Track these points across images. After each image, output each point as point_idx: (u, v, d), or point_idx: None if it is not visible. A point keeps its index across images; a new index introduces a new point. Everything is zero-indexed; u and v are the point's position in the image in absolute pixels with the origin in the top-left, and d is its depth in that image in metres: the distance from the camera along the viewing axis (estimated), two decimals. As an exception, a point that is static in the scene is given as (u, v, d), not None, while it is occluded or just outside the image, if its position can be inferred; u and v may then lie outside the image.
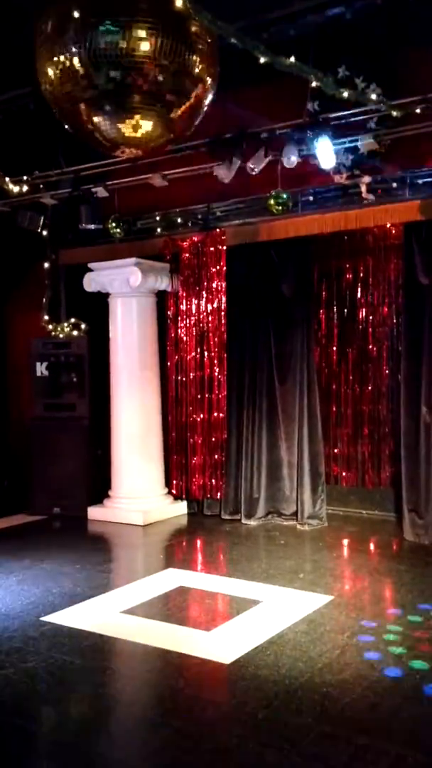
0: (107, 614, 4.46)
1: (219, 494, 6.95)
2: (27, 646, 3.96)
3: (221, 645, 3.93)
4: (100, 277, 7.03)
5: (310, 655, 3.75)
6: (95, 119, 4.08)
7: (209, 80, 4.08)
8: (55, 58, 3.82)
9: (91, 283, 7.08)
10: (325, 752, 2.88)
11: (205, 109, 4.23)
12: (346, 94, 4.58)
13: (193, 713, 3.23)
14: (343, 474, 6.99)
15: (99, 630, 4.16)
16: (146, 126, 4.06)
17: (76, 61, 3.74)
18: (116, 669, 3.82)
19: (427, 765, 2.80)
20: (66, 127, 4.32)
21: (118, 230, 6.55)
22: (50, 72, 3.90)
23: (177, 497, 7.18)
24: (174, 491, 7.16)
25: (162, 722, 3.17)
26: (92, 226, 6.39)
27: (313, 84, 4.61)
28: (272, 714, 3.17)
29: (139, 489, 6.98)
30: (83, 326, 7.34)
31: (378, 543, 5.97)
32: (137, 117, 4.04)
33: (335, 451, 7.00)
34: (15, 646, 3.94)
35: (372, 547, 5.86)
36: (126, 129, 4.04)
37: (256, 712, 3.19)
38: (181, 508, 7.18)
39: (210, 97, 4.19)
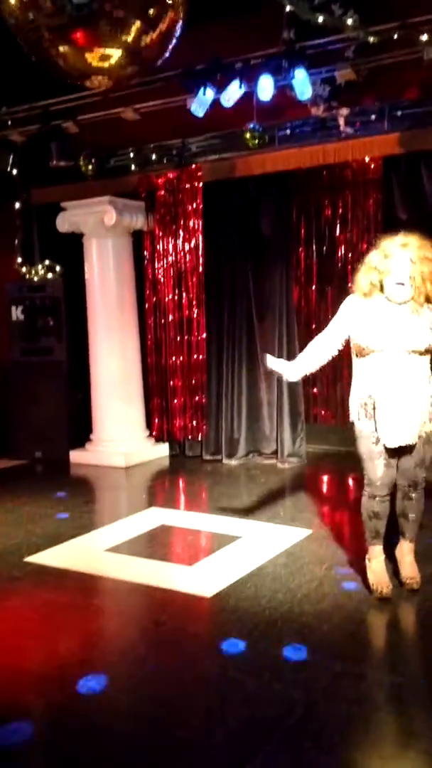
0: (91, 553, 4.53)
1: (200, 435, 7.00)
2: (12, 585, 4.02)
3: (203, 579, 4.01)
4: (73, 216, 6.87)
5: (289, 586, 3.85)
6: (61, 48, 3.91)
7: (179, 6, 3.91)
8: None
9: (65, 223, 6.91)
10: (305, 679, 2.97)
11: (176, 37, 4.06)
12: (321, 19, 4.42)
13: (175, 645, 3.32)
14: (322, 413, 7.05)
15: (83, 568, 4.23)
16: (115, 55, 3.90)
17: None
18: (101, 605, 3.90)
19: (401, 685, 2.91)
20: (32, 58, 4.14)
21: (90, 167, 6.37)
22: (12, -2, 3.71)
23: (158, 439, 7.22)
24: (155, 433, 7.19)
25: (146, 655, 3.26)
26: (63, 164, 6.20)
27: (288, 8, 4.43)
28: (253, 644, 3.26)
29: (120, 432, 7.00)
30: (58, 268, 7.21)
31: (356, 479, 6.06)
32: (105, 45, 3.88)
33: (314, 390, 7.04)
34: (-1, 587, 4.00)
35: (351, 483, 5.96)
36: (93, 58, 3.88)
37: (237, 643, 3.27)
38: (163, 449, 7.23)
39: (180, 24, 4.02)
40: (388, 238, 3.54)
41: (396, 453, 3.57)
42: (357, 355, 3.58)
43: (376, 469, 3.57)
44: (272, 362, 3.77)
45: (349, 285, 3.77)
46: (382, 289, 3.48)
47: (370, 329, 3.46)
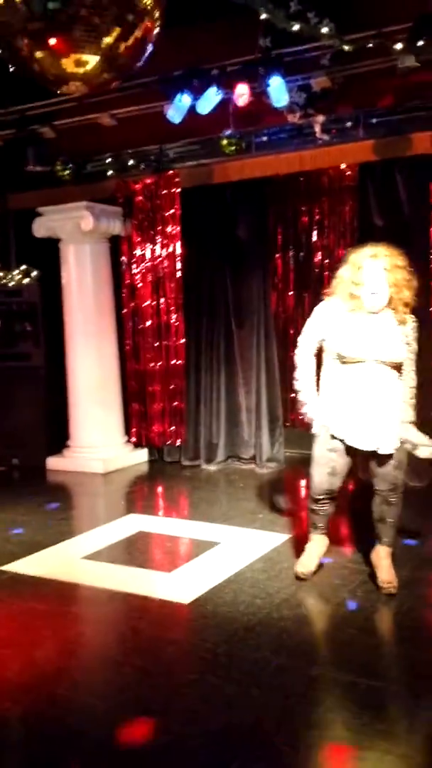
0: (69, 561, 4.50)
1: (179, 441, 6.99)
2: (-12, 594, 3.99)
3: (181, 586, 4.00)
4: (50, 221, 6.83)
5: (268, 591, 3.86)
6: (37, 54, 3.90)
7: (155, 13, 3.92)
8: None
9: (41, 228, 6.87)
10: (283, 683, 2.98)
11: (152, 44, 4.07)
12: (296, 27, 4.45)
13: (154, 652, 3.31)
14: (300, 417, 7.05)
15: (61, 576, 4.20)
16: (91, 61, 3.90)
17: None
18: (79, 613, 3.87)
19: (377, 689, 2.93)
20: (8, 63, 4.13)
21: (67, 172, 6.36)
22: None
23: (137, 445, 7.20)
24: (134, 439, 7.17)
25: (124, 661, 3.24)
26: (39, 169, 6.18)
27: (263, 16, 4.47)
28: (231, 650, 3.26)
29: (98, 438, 6.96)
30: (35, 273, 7.16)
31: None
32: (81, 51, 3.87)
33: (292, 395, 7.04)
34: (-25, 596, 3.96)
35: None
36: (69, 64, 3.87)
37: (215, 649, 3.27)
38: (142, 455, 7.21)
39: (157, 31, 4.02)
40: (356, 250, 3.61)
41: (369, 459, 3.62)
42: (335, 360, 3.62)
43: (319, 475, 3.73)
44: (311, 411, 3.75)
45: (323, 291, 3.82)
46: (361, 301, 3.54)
47: (348, 339, 3.51)
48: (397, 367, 3.56)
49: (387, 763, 2.51)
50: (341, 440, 3.64)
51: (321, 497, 3.81)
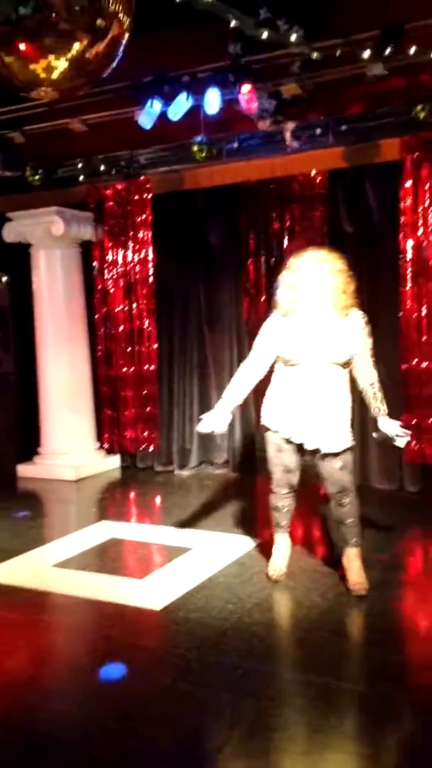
0: (39, 568, 4.46)
1: (152, 446, 6.97)
2: (-43, 604, 3.93)
3: (153, 592, 3.99)
4: (20, 226, 6.78)
5: (239, 596, 3.86)
6: (6, 59, 3.88)
7: (125, 19, 3.92)
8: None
9: (11, 233, 6.81)
10: (254, 688, 2.98)
11: (122, 49, 4.07)
12: (265, 35, 4.49)
13: (125, 659, 3.28)
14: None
15: (31, 584, 4.16)
16: (60, 66, 3.89)
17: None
18: (50, 621, 3.83)
19: (348, 690, 2.95)
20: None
21: (37, 177, 6.32)
22: None
23: (109, 451, 7.16)
24: (106, 445, 7.14)
25: (94, 669, 3.22)
26: (9, 174, 6.14)
27: (233, 23, 4.50)
28: (203, 655, 3.26)
29: (70, 444, 6.91)
30: (5, 278, 7.11)
31: (307, 486, 6.12)
32: (51, 56, 3.86)
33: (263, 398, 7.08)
34: None
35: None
36: (39, 69, 3.86)
37: (187, 654, 3.27)
38: (114, 461, 7.17)
39: (126, 36, 4.03)
40: (296, 255, 3.68)
41: (318, 461, 3.74)
42: (284, 364, 3.69)
43: (276, 473, 3.89)
44: (205, 426, 3.92)
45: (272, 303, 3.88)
46: (300, 305, 3.62)
47: (294, 344, 3.61)
48: (343, 366, 3.61)
49: (355, 765, 2.52)
50: (287, 439, 3.75)
51: (282, 491, 3.94)
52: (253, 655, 3.24)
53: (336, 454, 3.69)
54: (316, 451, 3.73)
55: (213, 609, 3.71)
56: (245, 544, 4.68)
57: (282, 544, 4.07)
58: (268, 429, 3.85)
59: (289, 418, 3.71)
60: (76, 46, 3.83)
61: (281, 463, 3.85)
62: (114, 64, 4.17)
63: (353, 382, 3.74)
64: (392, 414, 3.82)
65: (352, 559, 3.85)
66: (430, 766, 2.49)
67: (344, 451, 3.71)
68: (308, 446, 3.72)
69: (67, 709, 2.90)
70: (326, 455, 3.70)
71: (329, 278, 3.57)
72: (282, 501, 3.98)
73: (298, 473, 3.91)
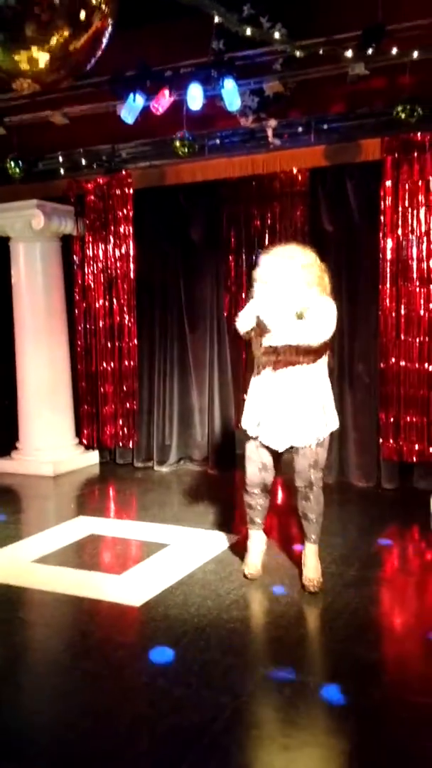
0: (17, 564, 4.43)
1: (131, 443, 6.95)
2: None
3: (131, 588, 3.98)
4: (-1, 219, 6.73)
5: (218, 593, 3.87)
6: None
7: (107, 11, 3.90)
8: None
9: (-10, 226, 6.76)
10: (231, 684, 2.99)
11: (105, 42, 4.05)
12: (249, 32, 4.49)
13: (103, 655, 3.28)
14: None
15: (8, 580, 4.13)
16: (42, 58, 3.85)
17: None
18: (27, 618, 3.81)
19: (325, 686, 2.97)
20: None
21: (18, 170, 6.26)
22: None
23: (88, 447, 7.13)
24: (85, 441, 7.10)
25: (72, 665, 3.21)
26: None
27: (216, 19, 4.49)
28: (181, 652, 3.26)
29: (48, 440, 6.87)
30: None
31: (285, 483, 6.15)
32: (33, 48, 3.82)
33: (245, 396, 7.08)
34: None
35: (278, 487, 6.03)
36: (21, 61, 3.82)
37: (165, 651, 3.26)
38: (93, 457, 7.14)
39: (109, 29, 4.00)
40: (266, 251, 3.77)
41: (292, 454, 3.79)
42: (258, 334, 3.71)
43: (251, 470, 3.90)
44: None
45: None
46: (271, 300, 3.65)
47: (269, 312, 3.63)
48: (312, 358, 3.63)
49: (333, 760, 2.54)
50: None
51: (255, 491, 3.96)
52: (231, 651, 3.25)
53: (310, 449, 3.74)
54: (291, 448, 3.79)
55: (192, 605, 3.72)
56: (224, 540, 4.69)
57: (257, 541, 4.09)
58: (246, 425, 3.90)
59: (262, 422, 3.77)
60: (57, 39, 3.80)
61: (258, 459, 3.88)
62: (96, 57, 4.15)
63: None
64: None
65: (309, 556, 3.91)
66: (407, 761, 2.52)
67: (319, 445, 3.74)
68: (280, 449, 3.79)
69: (41, 707, 2.89)
70: (300, 449, 3.76)
71: (295, 273, 3.59)
72: (255, 499, 4.00)
73: (273, 473, 3.95)
